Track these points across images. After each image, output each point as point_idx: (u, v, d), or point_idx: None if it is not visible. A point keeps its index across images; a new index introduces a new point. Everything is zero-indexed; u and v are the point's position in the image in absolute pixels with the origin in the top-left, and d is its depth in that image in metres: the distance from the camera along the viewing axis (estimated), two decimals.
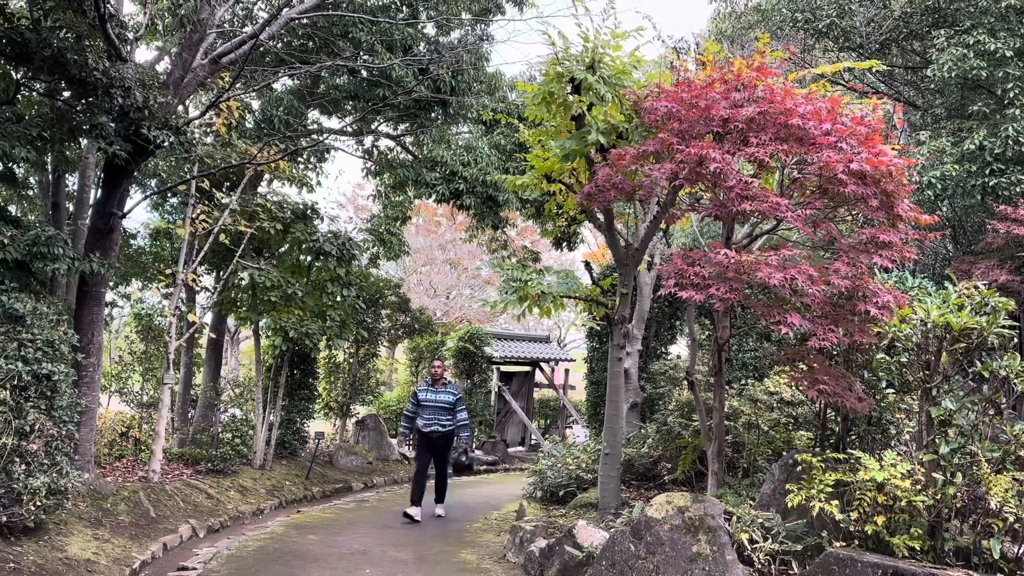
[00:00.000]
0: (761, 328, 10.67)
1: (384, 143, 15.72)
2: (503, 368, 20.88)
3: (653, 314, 12.53)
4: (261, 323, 12.66)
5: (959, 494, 5.44)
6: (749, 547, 5.89)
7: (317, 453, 13.96)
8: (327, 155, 14.88)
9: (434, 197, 14.41)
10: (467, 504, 11.63)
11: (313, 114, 14.98)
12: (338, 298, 12.90)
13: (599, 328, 13.24)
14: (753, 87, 6.57)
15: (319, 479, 13.45)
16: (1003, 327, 5.71)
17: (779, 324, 5.68)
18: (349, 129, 14.95)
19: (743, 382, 9.61)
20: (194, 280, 10.93)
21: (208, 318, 13.65)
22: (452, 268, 35.14)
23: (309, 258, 12.98)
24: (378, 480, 14.99)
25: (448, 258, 34.86)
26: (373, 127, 15.33)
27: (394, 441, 18.18)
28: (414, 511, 9.76)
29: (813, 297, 5.76)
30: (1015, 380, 5.62)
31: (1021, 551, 5.40)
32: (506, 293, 7.70)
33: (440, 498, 10.34)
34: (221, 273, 12.76)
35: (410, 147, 15.33)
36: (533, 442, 20.12)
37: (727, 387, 8.80)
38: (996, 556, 5.22)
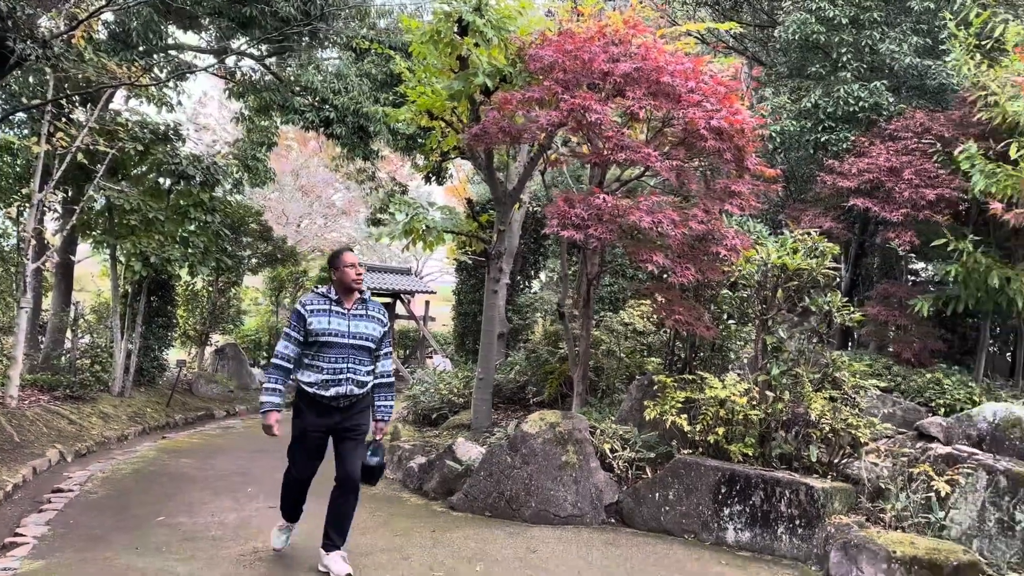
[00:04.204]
0: (618, 265, 11.59)
1: (247, 63, 15.22)
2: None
3: (520, 250, 13.18)
4: (119, 248, 12.23)
5: (785, 409, 6.46)
6: (610, 455, 6.71)
7: (176, 381, 13.80)
8: (188, 75, 14.26)
9: (302, 124, 14.25)
10: None
11: (171, 29, 14.24)
12: (202, 224, 12.63)
13: (469, 262, 13.76)
14: (628, 43, 7.15)
15: (180, 407, 13.37)
16: (828, 268, 6.72)
17: (646, 262, 6.41)
18: (210, 47, 14.37)
19: (601, 314, 10.46)
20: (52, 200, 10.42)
21: (57, 240, 13.00)
22: (304, 196, 34.32)
23: (169, 181, 12.58)
24: (240, 408, 15.05)
25: (300, 185, 33.98)
26: (236, 47, 14.79)
27: (256, 372, 18.15)
28: (279, 537, 5.26)
29: (675, 239, 6.51)
30: (835, 313, 6.67)
31: (832, 457, 6.50)
32: (394, 226, 8.00)
33: (340, 535, 4.91)
34: (71, 194, 12.16)
35: (275, 70, 14.94)
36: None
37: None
38: (813, 460, 6.29)
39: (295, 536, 5.35)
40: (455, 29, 7.87)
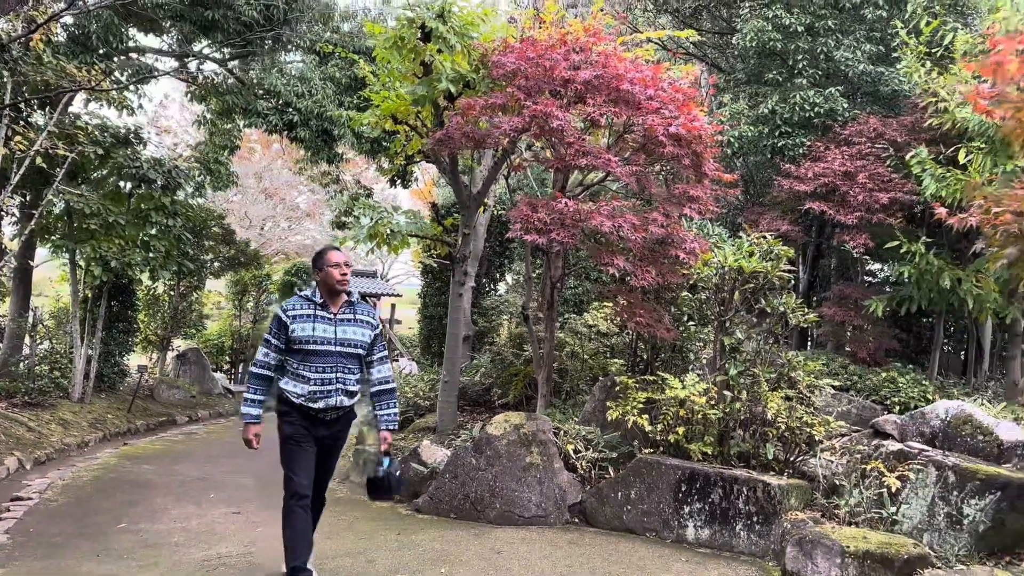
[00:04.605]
0: (582, 268, 11.72)
1: (210, 66, 15.10)
2: None
3: (485, 253, 13.26)
4: (79, 252, 12.07)
5: (743, 408, 6.61)
6: (574, 456, 6.82)
7: (138, 387, 13.64)
8: (149, 75, 14.11)
9: (266, 127, 14.16)
10: None
11: (132, 32, 14.08)
12: (163, 228, 12.50)
13: (435, 265, 13.80)
14: (589, 50, 7.27)
15: (142, 412, 13.22)
16: (784, 271, 6.90)
17: (608, 265, 6.54)
18: (171, 51, 14.23)
19: (565, 316, 10.58)
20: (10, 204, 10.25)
21: (15, 245, 12.78)
22: (268, 198, 34.02)
23: (130, 185, 12.45)
24: (203, 414, 14.93)
25: (264, 188, 33.68)
26: (198, 50, 14.66)
27: (218, 376, 17.97)
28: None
29: (635, 242, 6.64)
30: (790, 315, 6.86)
31: (789, 454, 6.67)
32: (359, 230, 8.02)
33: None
34: (29, 198, 11.96)
35: (238, 73, 14.84)
36: None
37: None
38: (770, 457, 6.45)
39: (257, 540, 5.34)
40: (419, 35, 7.92)
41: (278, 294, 18.88)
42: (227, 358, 20.12)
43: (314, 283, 4.56)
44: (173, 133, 26.88)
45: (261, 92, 13.93)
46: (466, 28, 7.90)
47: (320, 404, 4.43)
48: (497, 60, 7.25)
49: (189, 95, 15.16)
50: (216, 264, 17.87)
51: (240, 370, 20.01)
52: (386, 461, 4.68)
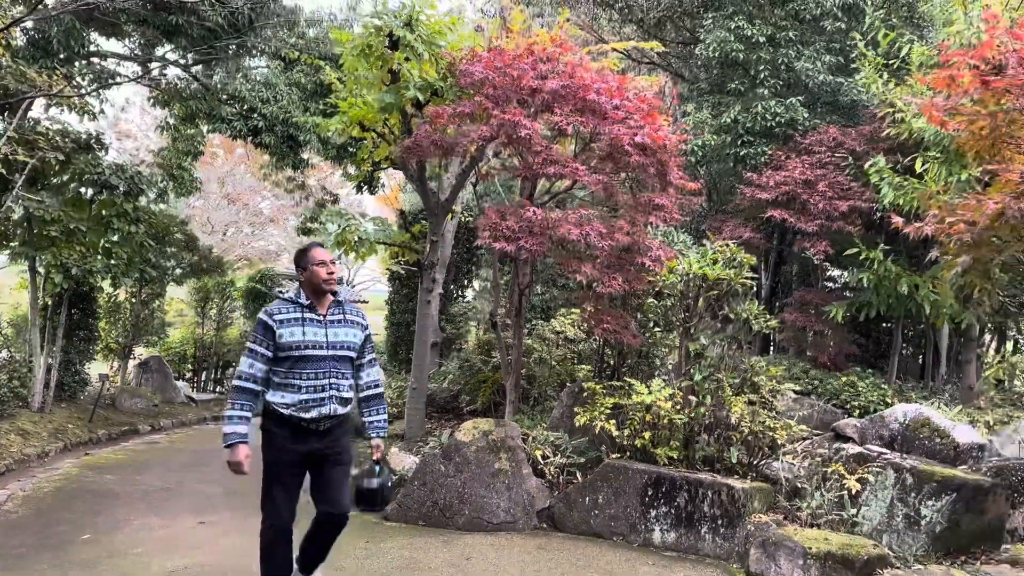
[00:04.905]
0: (549, 274, 11.81)
1: (173, 71, 14.94)
2: None
3: (453, 260, 13.28)
4: (39, 259, 11.85)
5: (708, 413, 6.73)
6: (542, 462, 6.88)
7: (99, 396, 13.41)
8: (112, 81, 13.92)
9: (230, 133, 14.04)
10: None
11: (94, 36, 13.88)
12: (125, 234, 12.33)
13: (403, 272, 13.80)
14: (556, 60, 7.36)
15: (103, 422, 12.99)
16: (746, 278, 7.04)
17: (575, 272, 6.62)
18: (134, 55, 14.05)
19: (532, 323, 10.65)
20: None
21: None
22: (230, 204, 33.66)
23: (91, 191, 12.27)
24: (165, 423, 14.71)
25: (226, 193, 33.32)
26: (161, 54, 14.49)
27: (180, 385, 17.73)
28: None
29: (602, 250, 6.73)
30: (753, 321, 6.99)
31: (752, 458, 6.80)
32: (328, 237, 8.01)
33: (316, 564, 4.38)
34: None
35: (202, 78, 14.70)
36: None
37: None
38: (734, 461, 6.57)
39: (224, 550, 5.28)
40: (386, 43, 7.95)
41: (242, 300, 18.67)
42: (190, 366, 19.85)
43: (297, 284, 4.26)
44: (134, 137, 26.50)
45: (225, 97, 13.82)
46: (433, 37, 7.94)
47: (312, 413, 4.07)
48: (465, 69, 7.31)
49: (152, 100, 14.97)
50: (179, 271, 17.65)
51: (203, 378, 19.76)
52: (377, 471, 4.48)
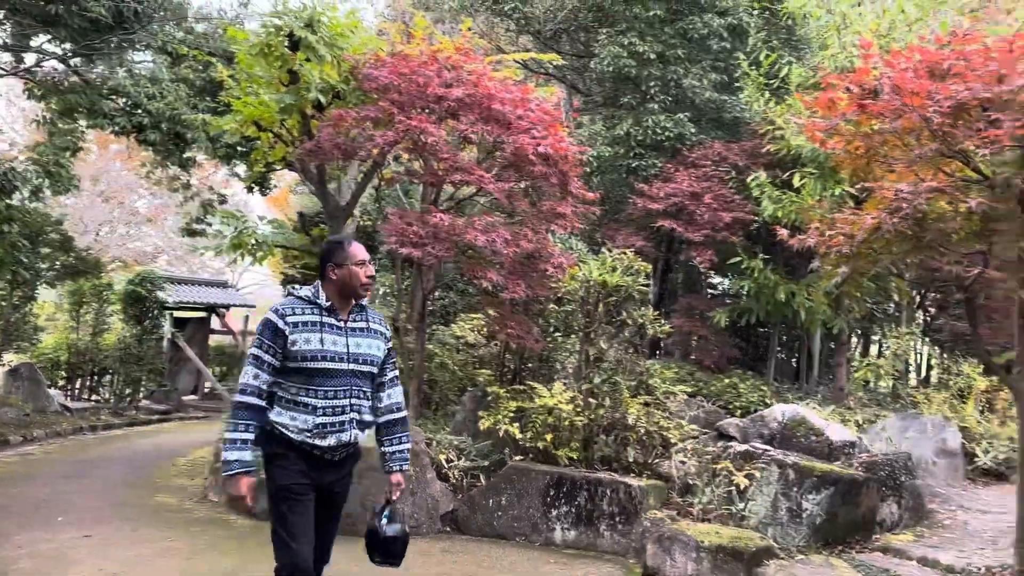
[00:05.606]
0: (449, 280, 11.87)
1: (51, 63, 14.09)
2: (176, 314, 20.02)
3: None
4: None
5: (606, 414, 6.97)
6: (446, 466, 6.94)
7: None
8: None
9: (112, 129, 13.38)
10: (146, 452, 11.35)
11: None
12: None
13: (299, 276, 13.52)
14: (460, 68, 7.46)
15: None
16: (642, 285, 7.34)
17: (481, 278, 6.73)
18: (5, 45, 13.17)
19: (432, 328, 10.67)
20: None
21: None
22: (105, 202, 31.96)
23: None
24: (38, 433, 13.84)
25: (101, 191, 31.62)
26: (36, 45, 13.65)
27: (54, 393, 16.69)
28: None
29: (507, 257, 6.87)
30: (648, 326, 7.30)
31: (647, 457, 7.07)
32: (224, 239, 7.79)
33: None
34: None
35: (82, 71, 13.94)
36: (207, 390, 19.69)
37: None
38: (631, 460, 6.83)
39: (111, 563, 5.04)
40: (286, 43, 7.82)
41: (120, 304, 17.73)
42: (63, 373, 18.69)
43: (317, 282, 3.49)
44: (1, 131, 24.78)
45: (107, 92, 13.16)
46: (335, 39, 7.87)
47: (330, 440, 3.29)
48: (370, 74, 7.29)
49: (27, 93, 14.08)
50: (52, 273, 16.63)
51: (78, 386, 18.67)
52: (391, 514, 3.58)
